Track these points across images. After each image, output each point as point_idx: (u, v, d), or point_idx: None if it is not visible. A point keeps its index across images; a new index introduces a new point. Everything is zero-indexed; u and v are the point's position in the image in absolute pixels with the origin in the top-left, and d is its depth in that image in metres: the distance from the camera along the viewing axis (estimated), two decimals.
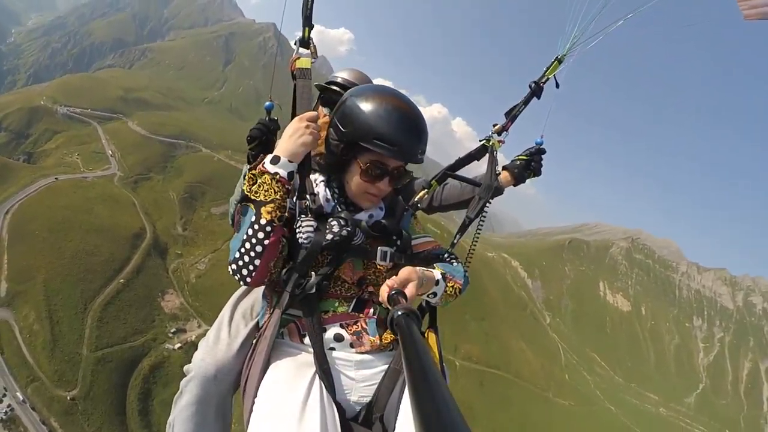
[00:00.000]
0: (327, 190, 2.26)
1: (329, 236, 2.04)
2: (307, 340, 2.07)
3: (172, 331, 79.91)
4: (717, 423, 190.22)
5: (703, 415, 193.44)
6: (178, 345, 77.50)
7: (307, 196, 2.15)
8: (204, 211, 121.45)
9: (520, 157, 3.26)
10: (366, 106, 2.05)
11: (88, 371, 66.75)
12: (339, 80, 3.36)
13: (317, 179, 2.27)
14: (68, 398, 63.57)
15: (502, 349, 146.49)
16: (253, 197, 1.98)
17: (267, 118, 2.55)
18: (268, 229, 1.92)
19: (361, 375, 2.04)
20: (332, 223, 2.08)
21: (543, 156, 3.26)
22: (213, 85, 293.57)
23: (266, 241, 1.92)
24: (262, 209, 1.93)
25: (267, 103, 2.57)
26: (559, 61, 3.06)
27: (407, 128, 2.05)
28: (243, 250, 1.94)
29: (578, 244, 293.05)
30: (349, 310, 2.12)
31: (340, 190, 2.27)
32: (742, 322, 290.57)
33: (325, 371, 1.95)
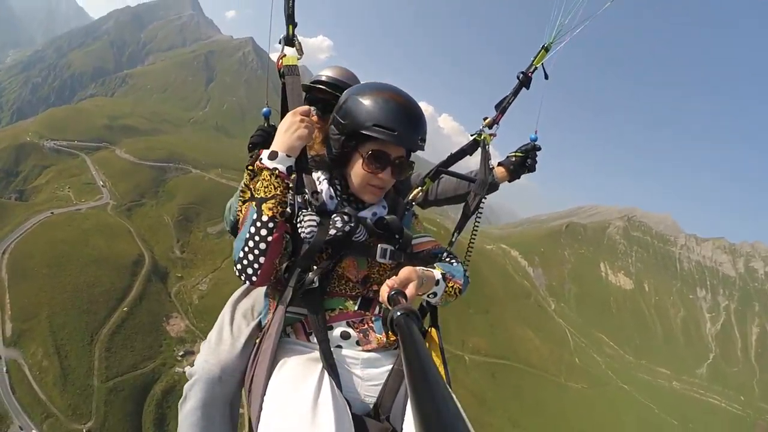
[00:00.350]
0: (330, 187, 2.23)
1: (332, 231, 2.04)
2: (313, 338, 2.05)
3: (180, 354, 79.55)
4: (731, 391, 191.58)
5: (716, 385, 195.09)
6: (188, 368, 77.80)
7: (306, 190, 2.14)
8: (200, 232, 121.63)
9: (516, 153, 3.27)
10: (365, 98, 2.07)
11: (102, 402, 66.63)
12: (324, 78, 3.31)
13: (320, 177, 2.26)
14: (84, 431, 63.52)
15: (510, 339, 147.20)
16: (254, 194, 1.99)
17: (266, 124, 2.56)
18: (271, 225, 1.92)
19: (367, 373, 2.04)
20: (335, 219, 2.08)
21: (538, 152, 3.28)
22: (197, 105, 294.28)
23: (269, 238, 1.91)
24: (263, 206, 1.93)
25: (264, 109, 2.59)
26: (546, 49, 3.03)
27: (405, 115, 2.05)
28: (246, 248, 1.93)
29: (575, 228, 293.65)
30: (355, 309, 2.12)
31: (342, 187, 2.26)
32: (745, 288, 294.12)
33: (332, 368, 1.94)
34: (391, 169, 2.14)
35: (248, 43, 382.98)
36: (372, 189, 2.19)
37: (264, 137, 2.50)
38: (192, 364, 2.33)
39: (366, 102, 2.06)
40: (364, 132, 2.03)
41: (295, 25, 2.35)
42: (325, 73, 3.34)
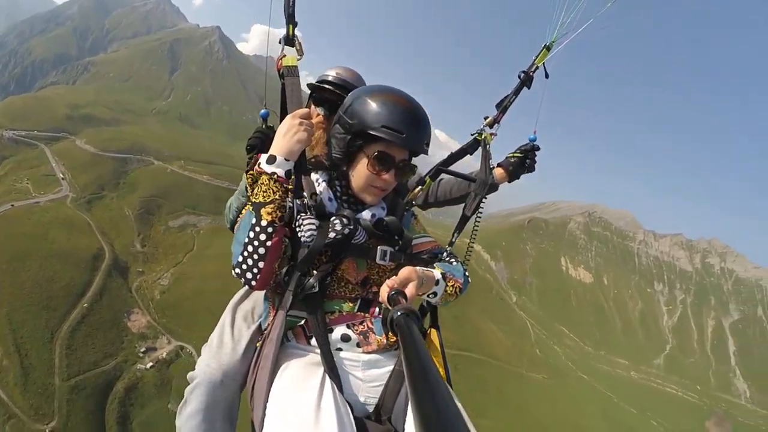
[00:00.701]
0: (329, 189, 2.25)
1: (331, 234, 2.05)
2: (313, 341, 2.06)
3: (142, 350, 78.28)
4: (687, 380, 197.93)
5: (673, 375, 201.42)
6: (150, 364, 76.14)
7: (305, 194, 2.15)
8: (161, 226, 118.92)
9: (515, 154, 3.29)
10: (374, 100, 2.08)
11: (64, 401, 65.31)
12: (330, 78, 3.30)
13: (319, 179, 2.27)
14: (47, 431, 62.45)
15: (474, 332, 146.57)
16: (252, 199, 1.97)
17: (263, 126, 2.57)
18: (270, 230, 1.91)
19: (368, 375, 2.04)
20: (334, 222, 2.08)
21: (537, 152, 3.31)
22: (160, 95, 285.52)
23: (269, 243, 1.91)
24: (262, 210, 1.92)
25: (262, 110, 2.61)
26: (548, 48, 3.05)
27: (413, 118, 2.08)
28: (246, 253, 1.92)
29: (537, 223, 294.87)
30: (355, 311, 2.13)
31: (342, 188, 2.28)
32: (701, 283, 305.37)
33: (333, 371, 1.94)
34: (395, 171, 2.15)
35: (215, 32, 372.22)
36: (374, 190, 2.20)
37: (262, 139, 2.49)
38: (194, 368, 2.32)
39: (375, 103, 2.06)
40: (372, 132, 2.04)
41: (295, 25, 2.33)
42: (332, 73, 3.34)
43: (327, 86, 3.20)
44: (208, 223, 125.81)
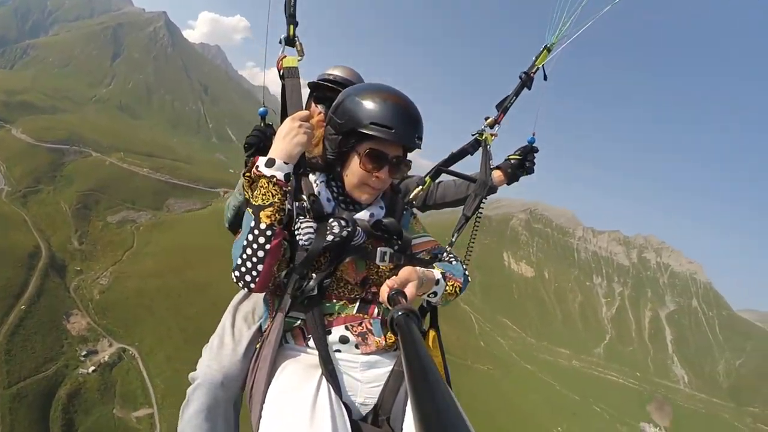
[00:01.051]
0: (327, 190, 2.25)
1: (330, 237, 2.03)
2: (311, 342, 2.06)
3: (83, 354, 74.49)
4: (627, 368, 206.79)
5: (613, 363, 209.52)
6: (92, 368, 72.53)
7: (304, 197, 2.14)
8: (100, 221, 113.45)
9: (513, 156, 3.28)
10: (362, 98, 2.07)
11: (6, 410, 61.88)
12: (332, 77, 3.31)
13: (317, 179, 2.27)
14: None
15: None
16: (252, 201, 1.96)
17: (262, 124, 2.53)
18: (269, 233, 1.90)
19: (366, 376, 2.04)
20: (333, 224, 2.07)
21: (536, 154, 3.29)
22: (101, 82, 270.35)
23: (267, 246, 1.90)
24: (261, 213, 1.91)
25: (261, 109, 2.56)
26: (548, 49, 3.04)
27: (402, 113, 2.06)
28: (245, 256, 1.92)
29: (481, 220, 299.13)
30: (354, 312, 2.12)
31: (338, 188, 2.27)
32: (638, 276, 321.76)
33: (331, 373, 1.94)
34: (389, 168, 2.13)
35: (161, 18, 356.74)
36: (368, 189, 2.18)
37: (260, 138, 2.45)
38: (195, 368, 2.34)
39: (364, 101, 2.05)
40: (362, 130, 2.02)
41: (296, 25, 2.33)
42: (335, 72, 3.35)
43: (329, 84, 3.25)
44: (147, 218, 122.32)
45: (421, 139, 2.14)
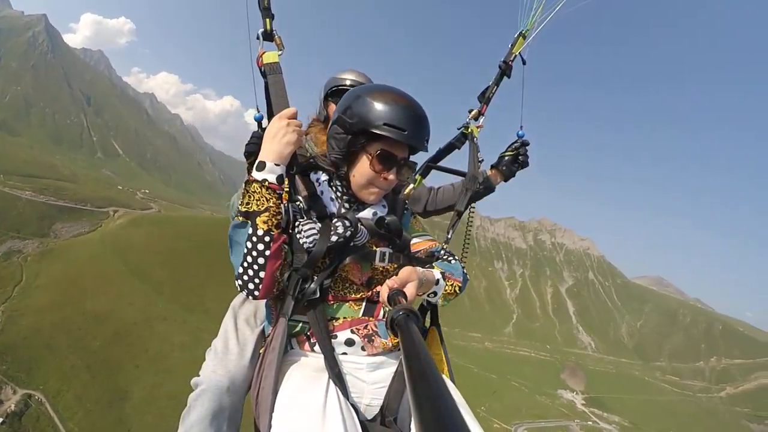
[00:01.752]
0: (330, 189, 2.22)
1: (333, 237, 2.00)
2: (317, 347, 2.02)
3: None
4: (537, 342, 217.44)
5: (523, 339, 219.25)
6: (0, 420, 62.26)
7: (300, 198, 2.12)
8: None
9: (506, 153, 3.25)
10: (373, 98, 2.03)
11: None
12: (348, 82, 3.22)
13: (319, 179, 2.23)
14: None
15: None
16: (244, 209, 1.90)
17: (260, 131, 2.38)
18: (267, 239, 1.87)
19: (372, 377, 2.01)
20: (336, 224, 2.05)
21: (528, 147, 3.24)
22: None
23: (267, 252, 1.87)
24: (258, 220, 1.87)
25: (256, 114, 2.40)
26: (524, 36, 2.99)
27: (413, 115, 2.03)
28: (246, 264, 1.88)
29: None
30: (360, 314, 2.08)
31: (342, 188, 2.21)
32: (536, 257, 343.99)
33: (337, 376, 1.92)
34: (397, 169, 2.12)
35: (40, 21, 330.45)
36: (375, 189, 2.15)
37: (259, 144, 2.24)
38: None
39: (375, 102, 2.01)
40: (374, 131, 1.98)
41: (272, 18, 2.24)
42: (350, 77, 3.27)
43: (346, 87, 3.17)
44: (35, 247, 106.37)
45: (428, 141, 2.13)
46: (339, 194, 2.20)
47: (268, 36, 2.22)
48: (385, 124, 1.96)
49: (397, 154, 2.08)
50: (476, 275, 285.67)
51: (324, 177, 2.22)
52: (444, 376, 1.69)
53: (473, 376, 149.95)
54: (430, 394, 0.75)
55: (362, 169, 2.10)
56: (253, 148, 2.29)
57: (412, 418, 0.77)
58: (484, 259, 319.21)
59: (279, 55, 2.21)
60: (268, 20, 2.21)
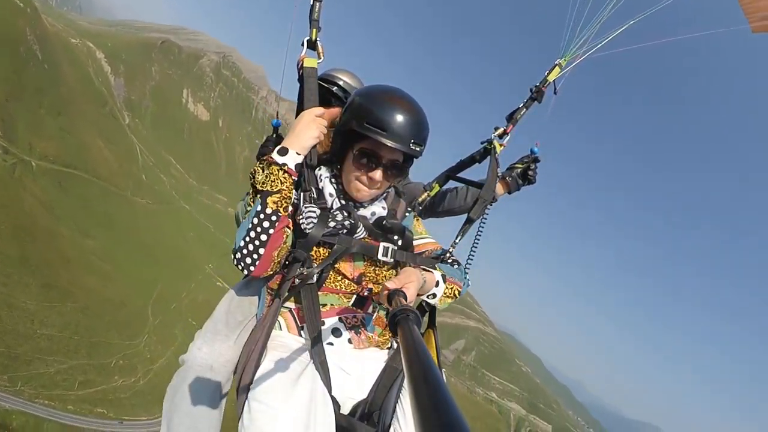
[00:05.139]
0: (331, 184, 2.28)
1: (332, 224, 2.08)
2: (304, 332, 2.07)
3: None
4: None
5: None
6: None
7: (312, 188, 2.19)
8: None
9: (516, 165, 3.26)
10: (365, 98, 2.11)
11: None
12: (341, 84, 3.34)
13: (323, 174, 2.29)
14: None
15: (79, 147, 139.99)
16: (259, 187, 1.97)
17: (274, 135, 2.66)
18: (273, 218, 1.92)
19: (356, 371, 2.05)
20: (335, 213, 2.14)
21: (538, 164, 3.23)
22: None
23: (271, 230, 1.92)
24: (268, 199, 1.93)
25: (274, 120, 2.71)
26: (560, 66, 3.06)
27: (401, 117, 2.03)
28: (248, 238, 1.93)
29: (170, 47, 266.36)
30: (350, 305, 2.17)
31: (340, 185, 2.30)
32: None
33: (321, 364, 1.94)
34: (382, 170, 2.15)
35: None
36: (360, 186, 2.20)
37: (272, 150, 2.32)
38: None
39: (367, 102, 2.08)
40: (356, 130, 2.05)
41: (319, 29, 2.38)
42: (343, 78, 3.38)
43: (334, 89, 3.33)
44: None
45: (419, 144, 2.11)
46: (338, 191, 2.26)
47: (312, 44, 2.35)
48: (366, 123, 2.00)
49: (383, 154, 2.09)
50: (242, 142, 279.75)
51: (327, 173, 2.29)
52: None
53: (209, 234, 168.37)
54: (432, 395, 0.74)
55: (347, 167, 2.17)
56: (266, 151, 2.43)
57: (413, 419, 0.69)
58: (256, 130, 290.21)
59: (318, 63, 2.36)
60: (314, 30, 2.33)
